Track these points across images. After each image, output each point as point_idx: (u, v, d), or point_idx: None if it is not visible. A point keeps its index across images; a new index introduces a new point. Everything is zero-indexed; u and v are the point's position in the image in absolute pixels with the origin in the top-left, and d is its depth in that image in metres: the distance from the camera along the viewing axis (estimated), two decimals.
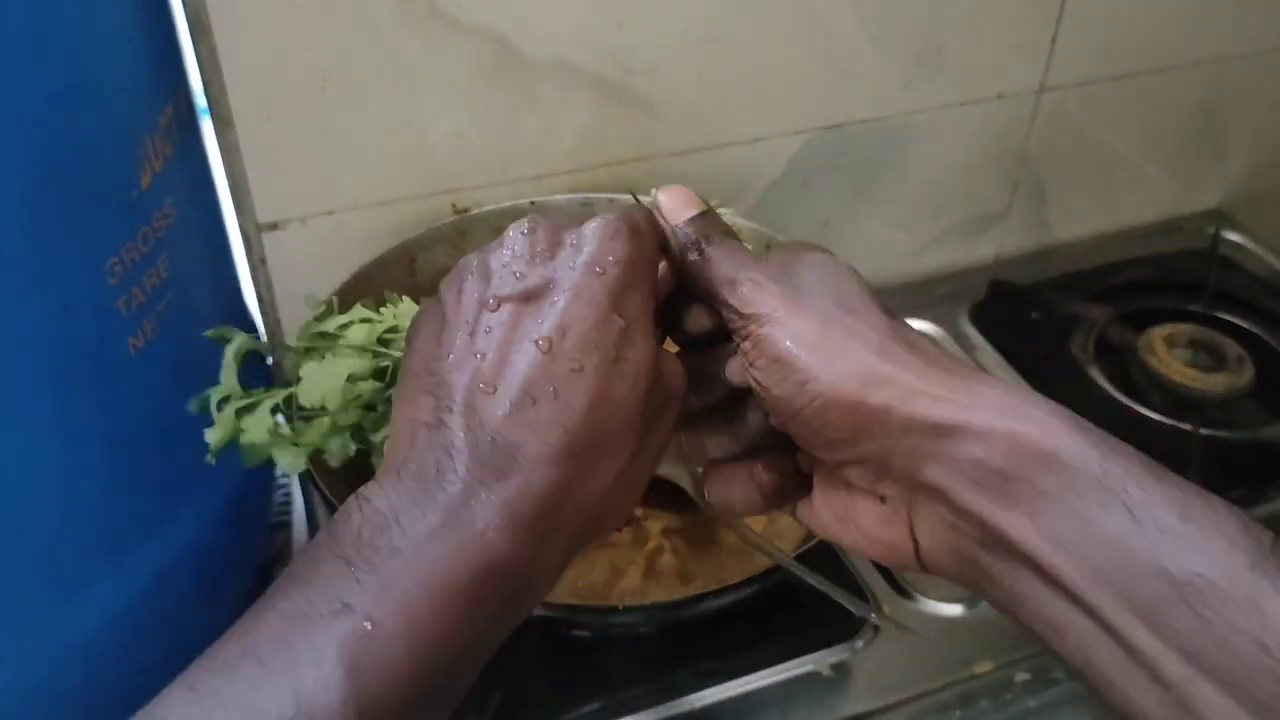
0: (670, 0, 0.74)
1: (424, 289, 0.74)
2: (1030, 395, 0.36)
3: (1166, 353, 0.86)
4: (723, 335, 0.41)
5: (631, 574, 0.63)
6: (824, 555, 0.63)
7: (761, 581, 0.57)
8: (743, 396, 0.42)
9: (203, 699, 0.31)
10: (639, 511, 0.67)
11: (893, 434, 0.36)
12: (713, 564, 0.64)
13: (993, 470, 0.35)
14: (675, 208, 0.42)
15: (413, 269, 0.74)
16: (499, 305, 0.37)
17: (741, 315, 0.39)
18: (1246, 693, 0.31)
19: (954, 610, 0.69)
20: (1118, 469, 0.34)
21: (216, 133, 0.68)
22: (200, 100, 0.65)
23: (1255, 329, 0.93)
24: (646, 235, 0.40)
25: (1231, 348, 0.87)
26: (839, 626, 0.66)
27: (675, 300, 0.43)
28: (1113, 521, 0.33)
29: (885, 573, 0.71)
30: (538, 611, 0.58)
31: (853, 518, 0.41)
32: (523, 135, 0.76)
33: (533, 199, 0.77)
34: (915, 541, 0.39)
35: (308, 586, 0.33)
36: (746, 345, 0.39)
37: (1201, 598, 0.32)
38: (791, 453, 0.42)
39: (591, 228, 0.39)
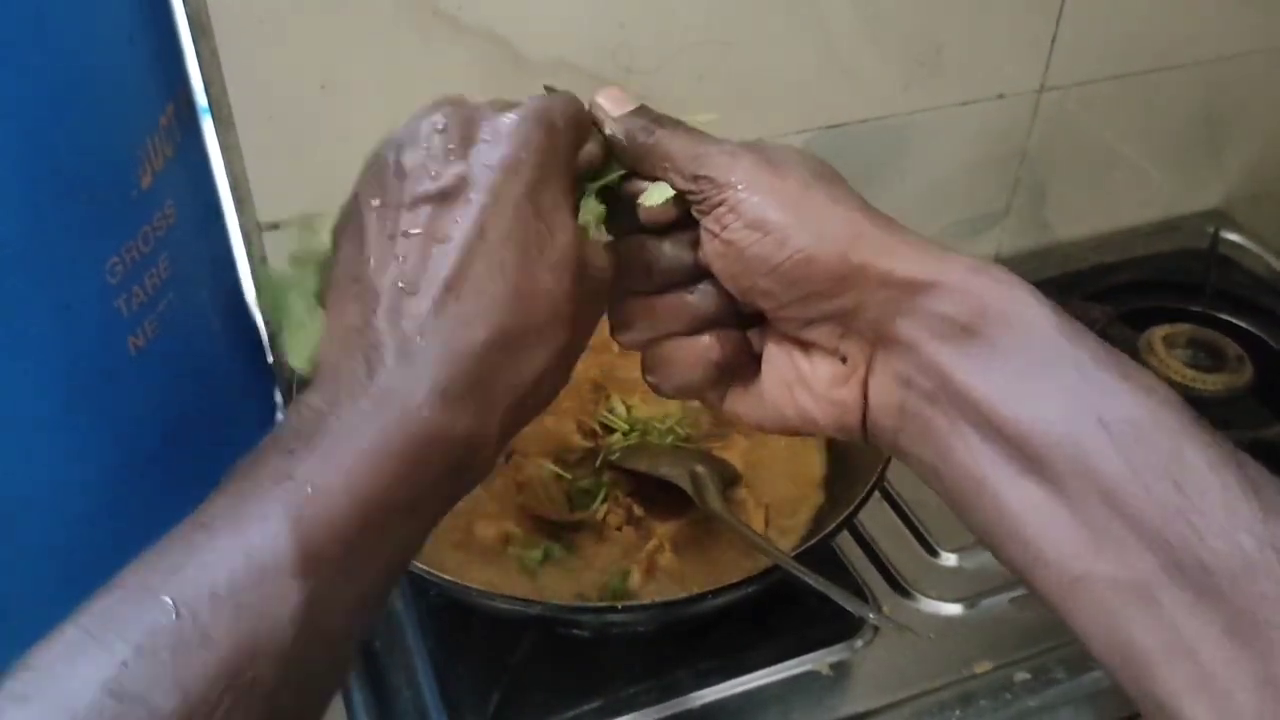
0: (671, 1, 0.74)
1: None
2: (1001, 267, 0.39)
3: (1166, 352, 0.86)
4: (677, 220, 0.42)
5: (631, 574, 0.63)
6: (823, 555, 0.63)
7: (761, 581, 0.57)
8: (692, 279, 0.43)
9: (160, 563, 0.32)
10: (639, 511, 0.67)
11: (870, 287, 0.39)
12: (713, 564, 0.65)
13: (960, 325, 0.38)
14: (611, 105, 0.43)
15: None
16: (415, 206, 0.38)
17: (717, 183, 0.40)
18: (1155, 531, 0.33)
19: (953, 610, 0.69)
20: (1071, 333, 0.37)
21: (217, 132, 0.68)
22: (201, 100, 0.65)
23: (1254, 329, 0.93)
24: (561, 127, 0.40)
25: (1231, 347, 0.87)
26: (838, 626, 0.67)
27: (625, 189, 0.43)
28: (1060, 375, 0.36)
29: (885, 572, 0.71)
30: (537, 611, 0.59)
31: (806, 382, 0.43)
32: None
33: None
34: (865, 401, 0.41)
35: (253, 470, 0.34)
36: (721, 210, 0.40)
37: (1130, 442, 0.34)
38: (741, 330, 0.44)
39: (505, 122, 0.40)
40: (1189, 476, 0.33)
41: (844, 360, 0.41)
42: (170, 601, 0.30)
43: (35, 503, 0.52)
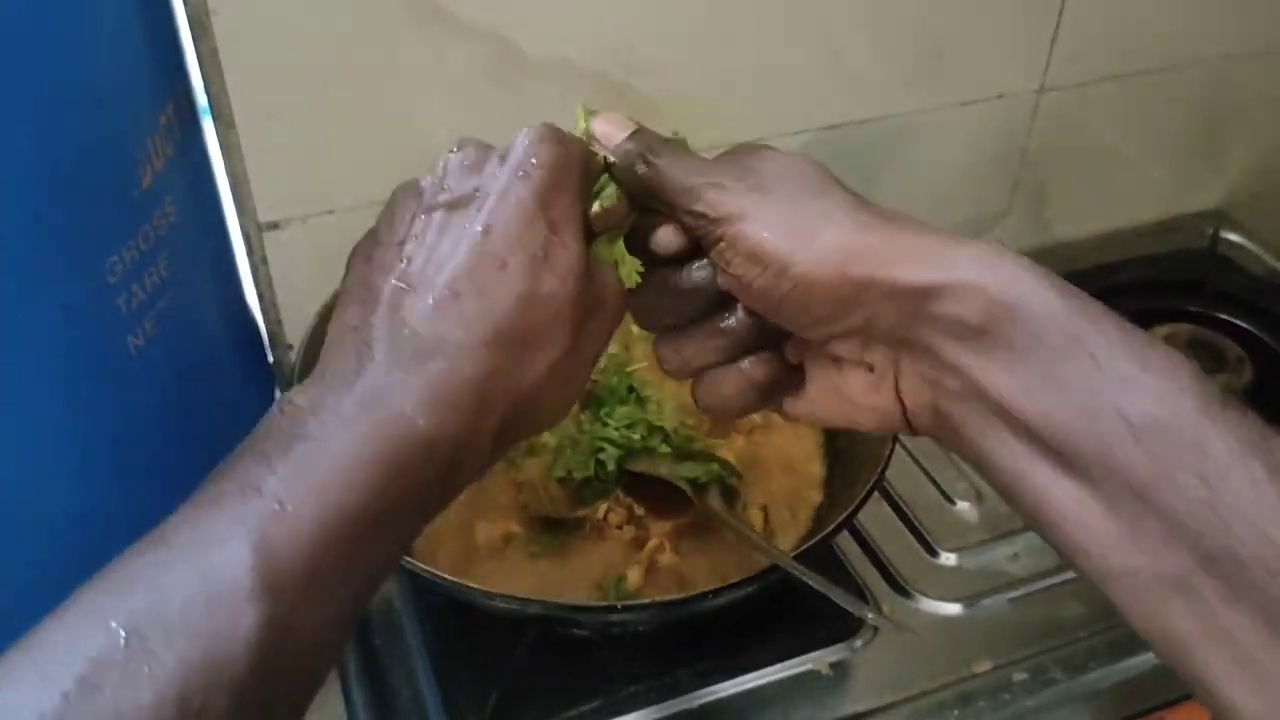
0: (672, 1, 0.74)
1: None
2: (1002, 250, 0.38)
3: None
4: (690, 250, 0.42)
5: (632, 574, 0.63)
6: (823, 555, 0.63)
7: (761, 581, 0.57)
8: (721, 304, 0.43)
9: (114, 584, 0.32)
10: (639, 511, 0.67)
11: (875, 301, 0.38)
12: (713, 564, 0.65)
13: (971, 325, 0.37)
14: (609, 132, 0.42)
15: None
16: (428, 214, 0.39)
17: (711, 219, 0.40)
18: (1185, 525, 0.33)
19: (953, 610, 0.69)
20: (1083, 320, 0.36)
21: (217, 132, 0.68)
22: (201, 99, 0.65)
23: (1254, 329, 0.93)
24: (573, 141, 0.41)
25: (1231, 348, 0.87)
26: (838, 626, 0.67)
27: (638, 224, 0.43)
28: (1077, 369, 0.35)
29: (885, 572, 0.71)
30: (537, 611, 0.59)
31: (843, 391, 0.43)
32: None
33: None
34: (902, 404, 0.41)
35: (224, 479, 0.34)
36: (721, 246, 0.40)
37: (1152, 437, 0.34)
38: (778, 347, 0.44)
39: (519, 135, 0.40)
40: (1212, 468, 0.33)
41: (871, 370, 0.42)
42: (118, 628, 0.29)
43: (35, 502, 0.52)
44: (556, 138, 0.40)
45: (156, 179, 0.54)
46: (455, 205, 0.39)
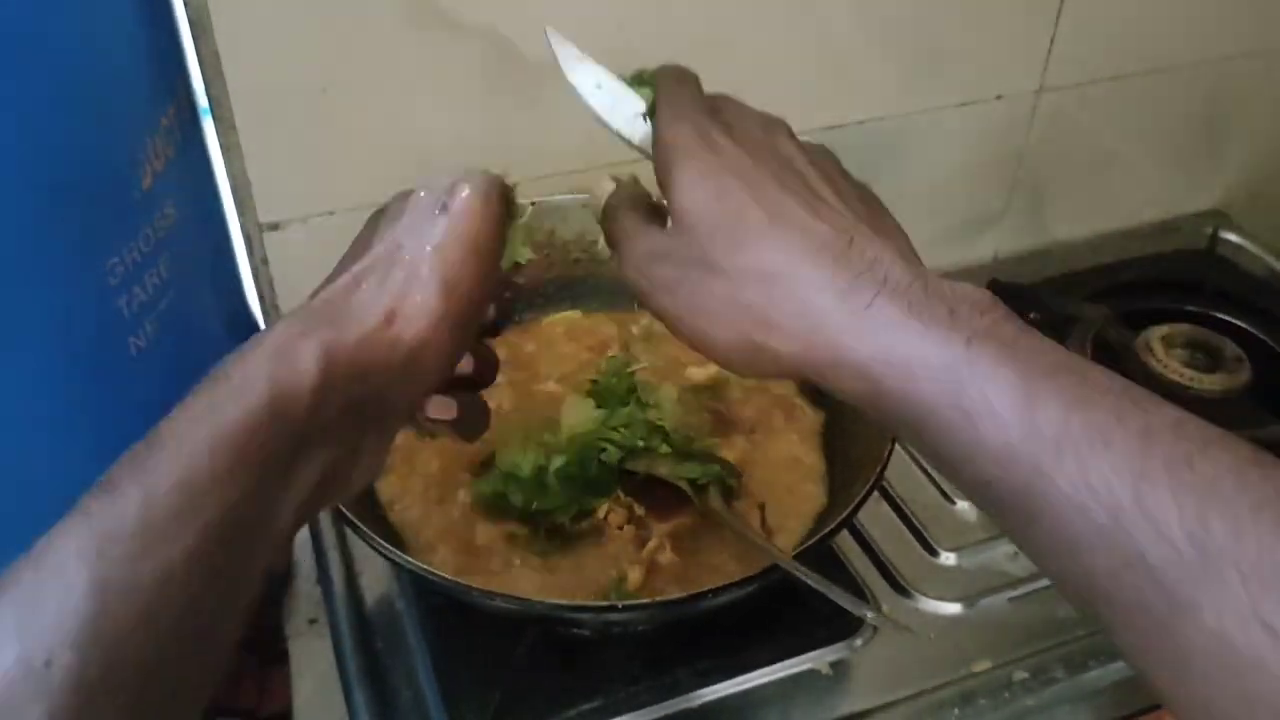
0: (671, 1, 0.74)
1: None
2: (889, 317, 0.38)
3: (1164, 353, 0.86)
4: None
5: (632, 574, 0.63)
6: (823, 555, 0.63)
7: (761, 581, 0.57)
8: None
9: None
10: (639, 511, 0.67)
11: (787, 373, 0.41)
12: (713, 564, 0.65)
13: (863, 395, 0.39)
14: (597, 185, 0.50)
15: None
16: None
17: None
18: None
19: (953, 609, 0.69)
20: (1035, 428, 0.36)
21: (218, 133, 0.68)
22: (201, 100, 0.65)
23: (1253, 329, 0.93)
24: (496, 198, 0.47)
25: (1229, 347, 0.87)
26: (838, 625, 0.67)
27: None
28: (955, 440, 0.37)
29: (885, 572, 0.72)
30: (538, 611, 0.59)
31: None
32: (523, 136, 0.76)
33: (533, 199, 0.77)
34: None
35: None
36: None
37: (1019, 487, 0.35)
38: None
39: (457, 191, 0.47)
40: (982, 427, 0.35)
41: None
42: None
43: (35, 503, 0.52)
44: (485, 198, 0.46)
45: (157, 180, 0.54)
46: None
